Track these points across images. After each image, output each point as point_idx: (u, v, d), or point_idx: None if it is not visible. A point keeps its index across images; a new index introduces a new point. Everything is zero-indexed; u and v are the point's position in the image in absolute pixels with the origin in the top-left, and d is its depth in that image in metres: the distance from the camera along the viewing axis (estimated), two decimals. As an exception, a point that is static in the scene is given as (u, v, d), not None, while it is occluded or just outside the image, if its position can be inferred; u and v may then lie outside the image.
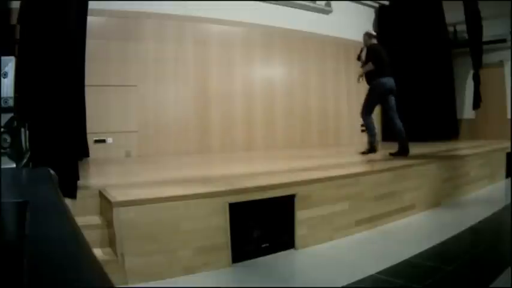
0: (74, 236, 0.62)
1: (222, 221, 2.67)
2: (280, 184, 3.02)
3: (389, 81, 5.01)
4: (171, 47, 6.23)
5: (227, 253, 2.66)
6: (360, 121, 8.62)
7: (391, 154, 5.01)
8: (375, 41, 5.23)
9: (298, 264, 2.82)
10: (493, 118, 8.31)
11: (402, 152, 4.94)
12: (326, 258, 2.84)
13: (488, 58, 7.88)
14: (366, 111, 5.15)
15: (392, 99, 5.05)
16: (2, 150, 3.20)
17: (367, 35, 5.27)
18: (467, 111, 8.70)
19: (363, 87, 8.71)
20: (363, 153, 5.26)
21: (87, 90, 4.95)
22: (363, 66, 5.20)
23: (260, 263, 2.74)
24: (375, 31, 5.81)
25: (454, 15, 8.07)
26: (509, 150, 6.15)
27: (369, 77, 5.09)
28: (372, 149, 5.20)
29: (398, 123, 4.98)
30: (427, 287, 2.23)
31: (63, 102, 2.81)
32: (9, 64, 3.38)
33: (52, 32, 2.77)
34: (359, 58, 5.35)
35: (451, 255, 2.80)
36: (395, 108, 5.04)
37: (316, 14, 7.93)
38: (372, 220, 3.52)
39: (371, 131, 5.18)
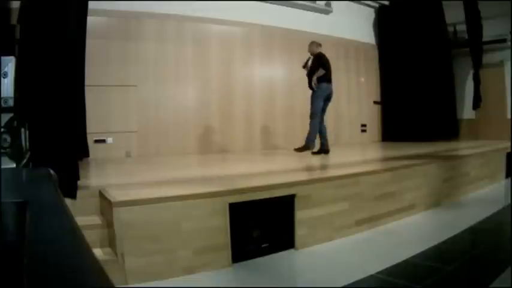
0: (74, 236, 0.62)
1: (222, 221, 2.66)
2: (280, 184, 3.02)
3: (328, 87, 5.38)
4: (171, 47, 6.23)
5: (227, 253, 2.66)
6: (360, 121, 8.61)
7: (313, 153, 5.49)
8: (320, 49, 5.56)
9: (298, 264, 2.82)
10: (493, 118, 8.31)
11: (324, 151, 5.51)
12: (326, 258, 2.84)
13: (488, 58, 7.88)
14: (316, 114, 5.40)
15: (327, 105, 5.49)
16: (2, 150, 3.20)
17: (314, 44, 5.56)
18: (467, 111, 8.71)
19: (364, 88, 8.76)
20: (298, 149, 5.51)
21: (87, 90, 4.95)
22: (309, 73, 5.46)
23: (260, 263, 2.73)
24: (374, 31, 5.92)
25: (454, 15, 8.08)
26: (509, 150, 6.15)
27: (316, 81, 5.40)
28: (310, 148, 5.48)
29: (323, 126, 5.52)
30: (427, 287, 2.23)
31: (63, 102, 2.81)
32: (9, 64, 3.39)
33: (52, 32, 2.77)
34: (305, 66, 5.59)
35: (451, 255, 2.80)
36: (325, 114, 5.55)
37: (316, 14, 7.93)
38: (372, 220, 3.52)
39: (314, 131, 5.43)
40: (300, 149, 5.48)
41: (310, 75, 5.41)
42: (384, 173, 3.82)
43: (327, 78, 5.35)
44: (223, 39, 6.76)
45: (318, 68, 5.33)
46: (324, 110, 5.49)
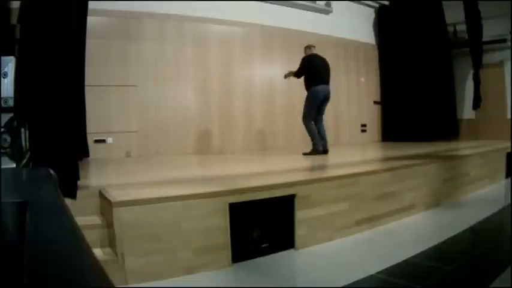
0: (74, 236, 0.62)
1: (222, 221, 2.66)
2: (280, 184, 3.02)
3: (324, 89, 5.38)
4: (171, 47, 6.23)
5: (227, 253, 2.66)
6: (360, 121, 8.61)
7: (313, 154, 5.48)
8: (314, 51, 5.61)
9: (298, 264, 2.82)
10: (493, 118, 8.31)
11: (324, 152, 5.48)
12: (326, 258, 2.84)
13: (488, 58, 7.88)
14: (306, 117, 5.45)
15: (324, 106, 5.51)
16: (2, 150, 3.20)
17: (307, 47, 5.70)
18: (467, 111, 8.71)
19: (364, 88, 8.76)
20: (306, 154, 5.51)
21: (87, 90, 4.95)
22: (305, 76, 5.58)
23: (260, 263, 2.73)
24: (374, 31, 5.96)
25: (454, 15, 8.08)
26: (509, 150, 6.15)
27: (305, 84, 5.51)
28: (320, 150, 5.48)
29: (323, 128, 5.56)
30: (427, 287, 2.23)
31: (63, 102, 2.81)
32: (9, 64, 3.39)
33: (52, 31, 2.77)
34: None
35: (451, 255, 2.80)
36: (323, 114, 5.58)
37: (316, 14, 7.93)
38: (372, 220, 3.52)
39: (312, 134, 5.47)
40: (308, 153, 5.49)
41: (305, 78, 5.52)
42: (384, 173, 3.82)
43: (323, 80, 5.40)
44: (223, 39, 6.76)
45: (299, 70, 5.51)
46: (322, 111, 5.51)
